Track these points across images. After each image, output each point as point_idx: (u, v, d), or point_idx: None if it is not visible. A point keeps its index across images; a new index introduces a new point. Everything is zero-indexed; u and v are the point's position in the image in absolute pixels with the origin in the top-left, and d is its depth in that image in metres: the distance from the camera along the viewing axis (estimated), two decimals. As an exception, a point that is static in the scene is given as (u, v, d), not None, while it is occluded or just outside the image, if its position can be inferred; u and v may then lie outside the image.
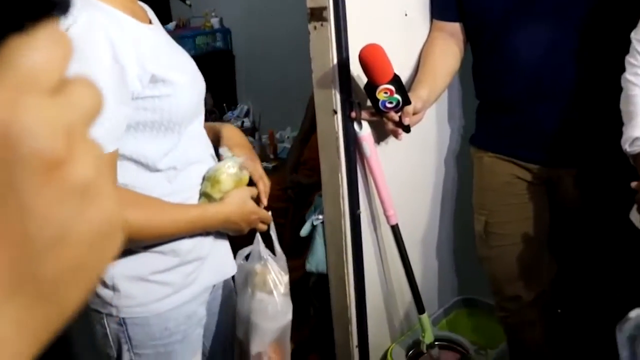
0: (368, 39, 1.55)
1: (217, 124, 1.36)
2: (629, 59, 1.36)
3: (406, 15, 1.69)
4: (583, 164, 1.57)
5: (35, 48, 0.22)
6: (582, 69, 1.49)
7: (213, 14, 3.53)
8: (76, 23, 0.94)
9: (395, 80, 1.44)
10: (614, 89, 1.39)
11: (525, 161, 1.63)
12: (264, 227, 1.27)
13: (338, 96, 1.54)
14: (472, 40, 1.69)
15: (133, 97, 1.03)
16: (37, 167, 0.22)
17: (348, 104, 1.55)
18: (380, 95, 1.45)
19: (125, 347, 1.13)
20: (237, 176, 1.19)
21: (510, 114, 1.62)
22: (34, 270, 0.22)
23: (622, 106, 1.37)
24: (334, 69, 1.52)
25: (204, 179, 1.19)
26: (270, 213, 1.29)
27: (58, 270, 0.22)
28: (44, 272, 0.22)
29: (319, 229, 1.91)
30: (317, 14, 1.49)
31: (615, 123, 1.38)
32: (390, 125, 1.55)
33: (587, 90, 1.50)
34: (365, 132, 1.57)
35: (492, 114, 1.71)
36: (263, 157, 3.01)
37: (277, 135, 3.18)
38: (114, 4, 1.04)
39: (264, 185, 1.26)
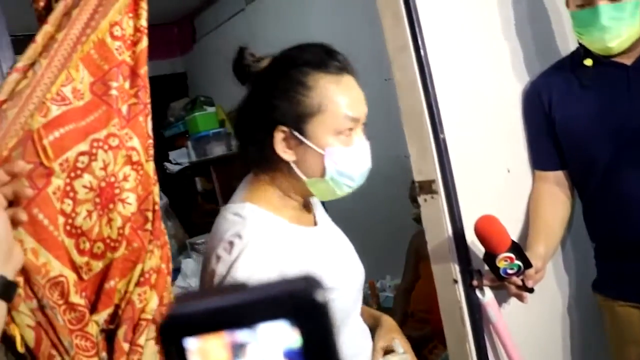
0: (478, 204, 1.56)
1: (375, 311, 1.35)
2: None
3: (509, 171, 1.69)
4: None
5: None
6: None
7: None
8: (248, 246, 1.00)
9: (514, 247, 1.42)
10: None
11: None
12: None
13: (457, 266, 1.52)
14: (580, 186, 1.66)
15: None
16: None
17: (468, 272, 1.52)
18: (501, 264, 1.42)
19: None
20: None
21: (633, 259, 1.54)
22: None
23: None
24: (450, 239, 1.51)
25: None
26: None
27: None
28: None
29: (447, 398, 1.80)
30: (427, 187, 1.51)
31: None
32: (514, 290, 1.50)
33: None
34: (488, 297, 1.52)
35: (613, 259, 1.63)
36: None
37: (378, 285, 3.14)
38: (280, 213, 1.10)
39: None
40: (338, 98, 1.05)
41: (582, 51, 1.58)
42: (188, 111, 4.21)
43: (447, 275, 1.53)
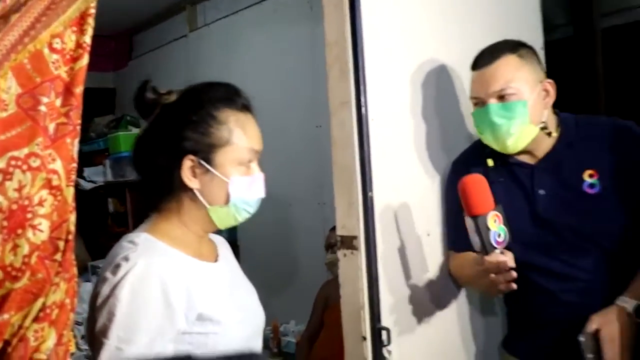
0: (396, 265, 1.59)
1: None
2: None
3: (429, 235, 1.72)
4: None
5: None
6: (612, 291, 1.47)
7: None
8: (134, 268, 1.02)
9: (500, 208, 1.34)
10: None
11: None
12: None
13: (368, 323, 1.51)
14: None
15: (179, 333, 1.07)
16: None
17: (377, 331, 1.52)
18: (492, 225, 1.33)
19: None
20: None
21: (543, 327, 1.59)
22: None
23: None
24: (364, 296, 1.51)
25: None
26: None
27: None
28: None
29: None
30: (348, 242, 1.52)
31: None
32: (500, 279, 1.35)
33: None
34: (395, 358, 1.52)
35: (524, 324, 1.67)
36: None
37: (281, 328, 3.09)
38: (177, 245, 1.13)
39: None
40: (244, 132, 1.16)
41: (488, 150, 1.59)
42: (111, 129, 4.07)
43: (357, 332, 1.52)
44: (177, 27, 4.05)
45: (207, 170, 1.13)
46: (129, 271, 1.01)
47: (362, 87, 1.48)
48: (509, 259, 1.35)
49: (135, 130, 4.00)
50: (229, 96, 1.18)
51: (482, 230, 1.33)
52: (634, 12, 3.06)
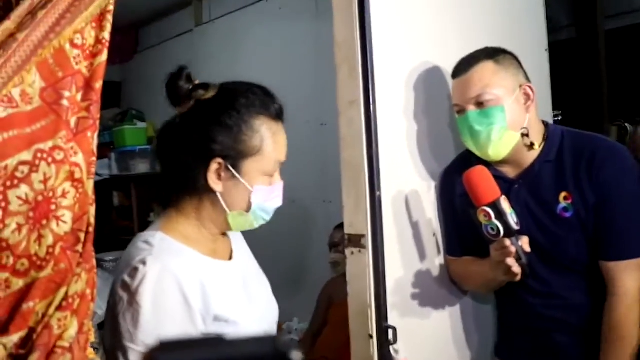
0: (402, 263, 1.61)
1: None
2: None
3: (434, 235, 1.75)
4: None
5: None
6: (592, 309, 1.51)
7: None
8: (150, 272, 1.03)
9: (494, 204, 1.35)
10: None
11: None
12: None
13: (374, 321, 1.53)
14: None
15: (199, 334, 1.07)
16: None
17: (384, 329, 1.54)
18: (481, 218, 1.37)
19: None
20: None
21: (530, 337, 1.62)
22: None
23: None
24: (370, 294, 1.53)
25: None
26: None
27: None
28: None
29: None
30: (355, 241, 1.53)
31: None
32: (510, 262, 1.35)
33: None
34: (401, 356, 1.54)
35: (513, 331, 1.70)
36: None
37: (284, 326, 3.11)
38: (192, 244, 1.14)
39: None
40: (274, 144, 1.16)
41: (474, 159, 1.59)
42: (117, 122, 4.09)
43: (363, 330, 1.54)
44: (183, 22, 4.07)
45: (233, 176, 1.13)
46: (147, 275, 1.02)
47: (370, 86, 1.50)
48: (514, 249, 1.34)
49: (140, 125, 4.02)
50: (264, 102, 1.16)
51: (503, 214, 1.35)
52: (637, 15, 3.08)
